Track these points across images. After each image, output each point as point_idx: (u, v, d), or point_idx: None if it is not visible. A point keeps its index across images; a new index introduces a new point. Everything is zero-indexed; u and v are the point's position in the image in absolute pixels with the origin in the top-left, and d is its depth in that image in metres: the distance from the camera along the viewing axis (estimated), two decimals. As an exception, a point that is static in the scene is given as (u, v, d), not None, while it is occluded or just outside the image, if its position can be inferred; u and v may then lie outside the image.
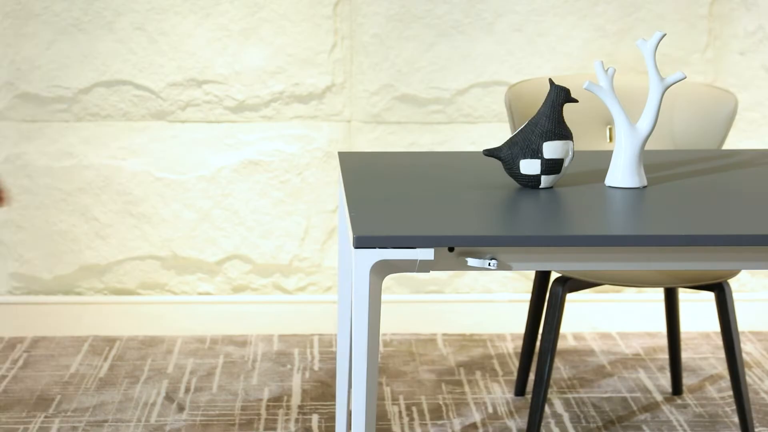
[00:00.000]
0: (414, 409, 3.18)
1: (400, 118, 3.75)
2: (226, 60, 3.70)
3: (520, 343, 3.67)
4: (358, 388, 2.01)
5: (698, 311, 3.79)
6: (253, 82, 3.72)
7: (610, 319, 3.82)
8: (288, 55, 3.72)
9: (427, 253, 1.95)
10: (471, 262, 1.99)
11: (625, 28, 3.73)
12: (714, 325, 3.76)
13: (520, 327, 3.75)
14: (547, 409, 3.16)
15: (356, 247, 1.95)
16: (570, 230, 2.04)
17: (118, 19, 3.66)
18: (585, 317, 3.81)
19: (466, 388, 3.32)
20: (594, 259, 2.02)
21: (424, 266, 1.97)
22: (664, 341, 3.68)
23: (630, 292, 3.86)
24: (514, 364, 3.50)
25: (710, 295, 3.02)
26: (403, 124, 3.76)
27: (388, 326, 3.79)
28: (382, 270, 1.98)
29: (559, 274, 2.88)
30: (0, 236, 3.76)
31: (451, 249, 1.99)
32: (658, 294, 3.72)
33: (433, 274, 3.83)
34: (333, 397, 3.25)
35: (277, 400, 3.23)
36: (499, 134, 3.75)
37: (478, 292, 3.84)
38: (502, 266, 2.00)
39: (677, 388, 3.26)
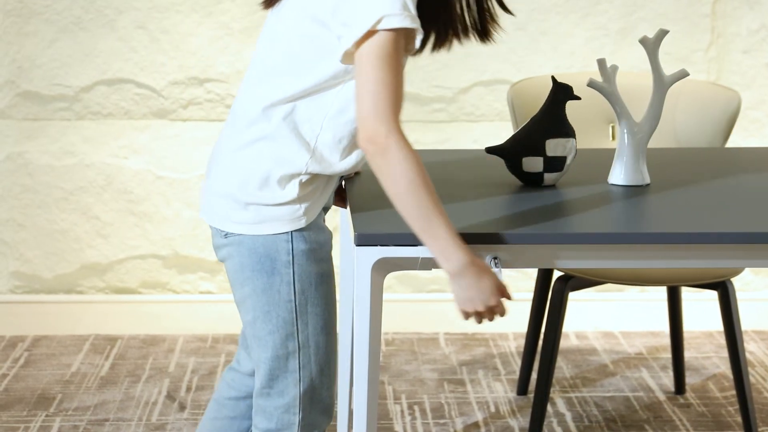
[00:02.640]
0: (416, 408, 3.17)
1: (402, 116, 3.74)
2: (227, 59, 3.70)
3: (522, 341, 3.66)
4: (360, 387, 1.99)
5: (701, 310, 3.78)
6: (254, 81, 3.71)
7: (612, 318, 3.81)
8: (290, 54, 3.71)
9: (428, 251, 1.94)
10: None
11: (627, 26, 3.72)
12: (717, 324, 3.75)
13: (522, 326, 3.74)
14: (549, 408, 3.15)
15: (357, 245, 1.94)
16: (573, 228, 2.03)
17: (120, 17, 3.66)
18: (587, 316, 3.80)
19: (469, 387, 3.31)
20: (597, 257, 2.01)
21: (425, 264, 1.96)
22: (666, 340, 3.67)
23: (632, 291, 3.85)
24: (517, 363, 3.49)
25: (713, 294, 3.01)
26: (405, 123, 3.74)
27: (389, 325, 3.78)
28: (383, 268, 1.97)
29: (561, 273, 2.87)
30: (1, 235, 3.75)
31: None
32: (661, 293, 3.71)
33: (435, 273, 3.82)
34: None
35: (279, 399, 3.23)
36: (502, 133, 3.74)
37: (480, 291, 3.83)
38: (504, 264, 1.99)
39: (680, 387, 3.25)
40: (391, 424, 3.06)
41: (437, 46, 2.01)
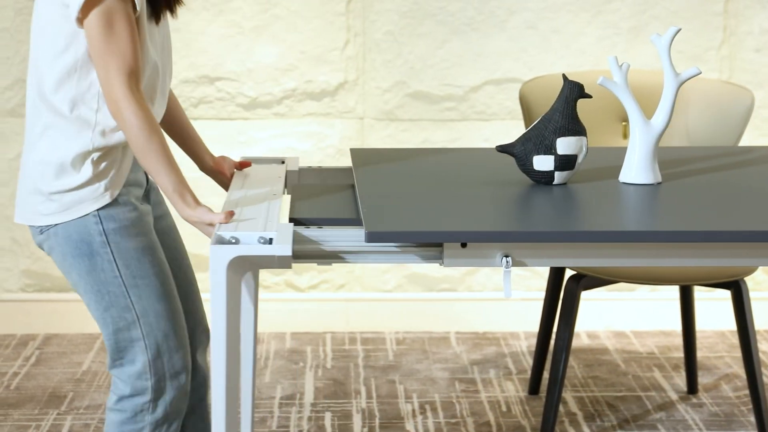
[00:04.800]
0: (427, 407, 3.16)
1: (412, 115, 3.74)
2: (238, 57, 3.69)
3: (533, 341, 3.65)
4: (218, 388, 1.93)
5: (713, 310, 3.77)
6: (265, 80, 3.71)
7: (624, 317, 3.80)
8: (300, 52, 3.71)
9: (284, 249, 1.90)
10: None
11: (639, 25, 3.71)
12: (728, 324, 3.74)
13: (533, 325, 3.73)
14: (561, 407, 3.14)
15: (212, 244, 1.90)
16: (584, 226, 2.02)
17: (131, 16, 3.66)
18: (599, 315, 3.79)
19: (480, 387, 3.30)
20: (608, 255, 2.00)
21: (283, 262, 1.93)
22: (678, 340, 3.66)
23: (643, 291, 3.83)
24: (528, 363, 3.48)
25: (724, 294, 3.01)
26: (416, 122, 3.75)
27: (401, 324, 3.78)
28: (240, 266, 1.93)
29: (573, 272, 2.86)
30: (12, 234, 3.75)
31: (464, 245, 1.97)
32: (672, 292, 3.70)
33: (446, 272, 3.81)
34: (346, 395, 3.24)
35: (290, 398, 3.22)
36: (513, 131, 3.73)
37: (490, 290, 3.83)
38: (516, 263, 1.98)
39: (692, 386, 3.23)
40: (403, 423, 3.06)
41: (157, 12, 2.13)
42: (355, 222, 2.10)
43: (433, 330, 3.78)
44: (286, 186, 2.44)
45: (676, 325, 3.73)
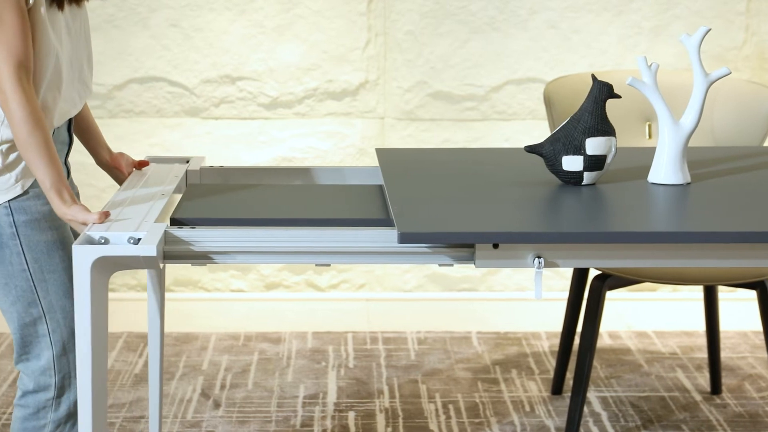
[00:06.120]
0: (451, 407, 3.16)
1: (433, 115, 3.74)
2: (260, 57, 3.70)
3: (555, 341, 3.64)
4: (84, 393, 1.91)
5: (735, 310, 3.76)
6: (286, 79, 3.71)
7: (645, 317, 3.79)
8: (322, 52, 3.71)
9: (148, 250, 1.89)
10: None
11: (661, 24, 3.70)
12: (751, 324, 3.73)
13: (554, 325, 3.73)
14: (585, 407, 3.13)
15: (76, 244, 1.88)
16: (617, 227, 2.02)
17: (153, 15, 3.66)
18: (620, 316, 3.78)
19: (503, 387, 3.30)
20: (640, 256, 2.00)
21: (149, 262, 1.91)
22: (700, 340, 3.65)
23: (665, 291, 3.83)
24: (550, 363, 3.48)
25: (746, 294, 3.01)
26: (437, 121, 3.74)
27: (422, 324, 3.78)
28: (105, 267, 1.91)
29: (598, 272, 2.86)
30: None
31: (495, 245, 1.97)
32: (694, 293, 3.70)
33: (466, 272, 3.81)
34: (369, 394, 3.24)
35: (313, 398, 3.22)
36: (534, 131, 3.72)
37: (512, 290, 3.82)
38: (548, 264, 1.98)
39: (716, 387, 3.23)
40: (426, 422, 3.05)
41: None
42: (236, 222, 2.08)
43: (455, 330, 3.77)
44: (187, 185, 2.43)
45: (698, 325, 3.73)
